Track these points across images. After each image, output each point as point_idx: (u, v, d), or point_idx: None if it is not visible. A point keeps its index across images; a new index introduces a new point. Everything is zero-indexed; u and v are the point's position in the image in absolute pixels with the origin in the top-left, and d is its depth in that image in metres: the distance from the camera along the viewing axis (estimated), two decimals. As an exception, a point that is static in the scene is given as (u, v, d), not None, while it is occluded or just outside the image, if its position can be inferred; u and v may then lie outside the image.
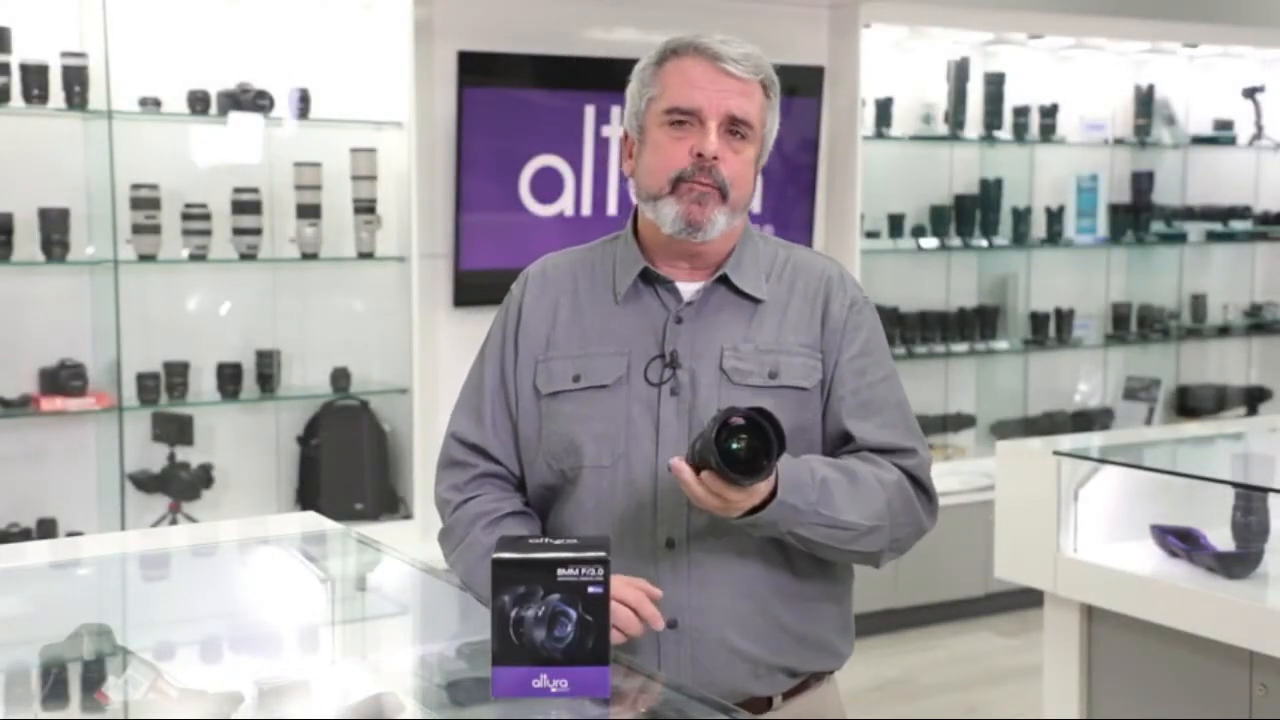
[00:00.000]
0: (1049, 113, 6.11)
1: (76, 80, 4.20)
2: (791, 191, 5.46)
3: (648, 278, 1.99)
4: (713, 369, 1.94)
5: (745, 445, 1.72)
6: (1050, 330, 6.24)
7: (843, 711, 2.10)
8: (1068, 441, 3.65)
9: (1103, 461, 3.34)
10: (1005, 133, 6.01)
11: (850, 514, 1.88)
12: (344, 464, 4.70)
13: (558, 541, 1.68)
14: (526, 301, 2.05)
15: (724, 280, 1.99)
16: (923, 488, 1.99)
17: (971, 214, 5.95)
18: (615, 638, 1.72)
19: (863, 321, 2.02)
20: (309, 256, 4.62)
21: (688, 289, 1.99)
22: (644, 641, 1.85)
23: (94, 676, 1.87)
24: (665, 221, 1.93)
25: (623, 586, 1.78)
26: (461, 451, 2.06)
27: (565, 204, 5.01)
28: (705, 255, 1.98)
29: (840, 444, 1.98)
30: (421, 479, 4.67)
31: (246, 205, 4.48)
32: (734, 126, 1.92)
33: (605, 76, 4.80)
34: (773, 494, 1.81)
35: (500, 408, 2.03)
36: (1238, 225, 6.69)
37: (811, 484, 1.85)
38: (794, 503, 1.82)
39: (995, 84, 5.94)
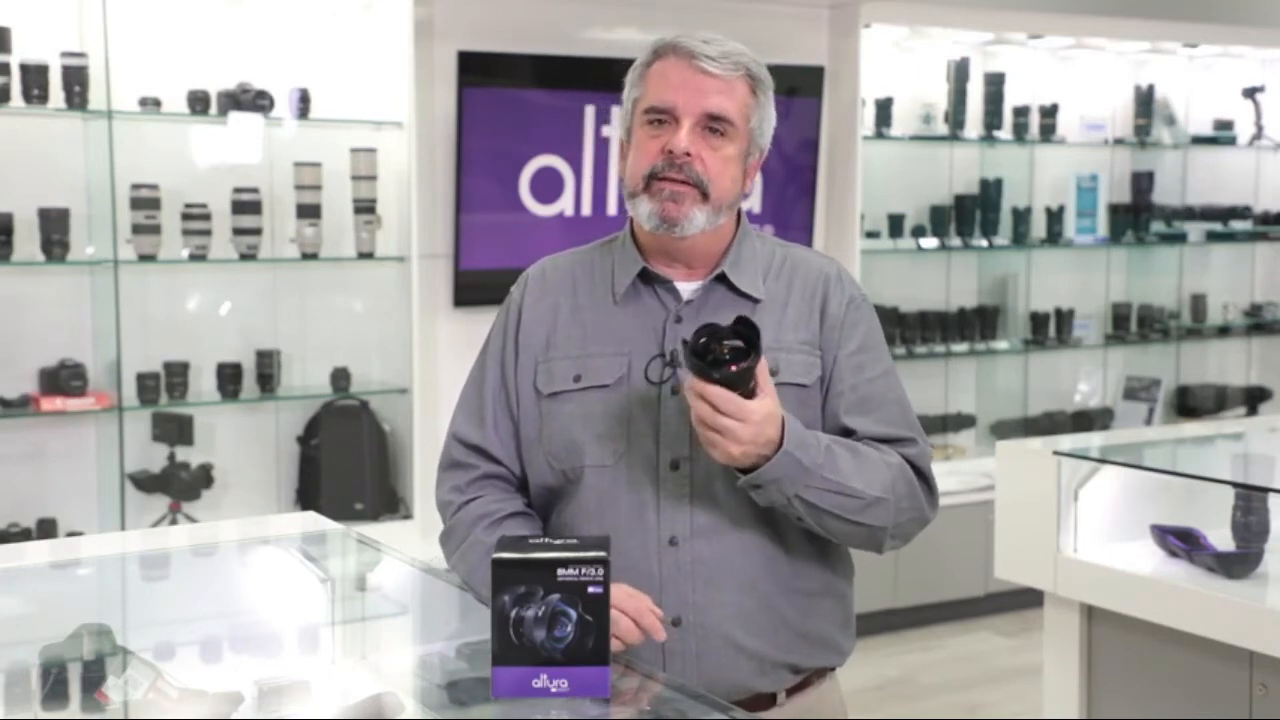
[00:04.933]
0: (1049, 113, 6.11)
1: (76, 80, 4.20)
2: (791, 191, 5.45)
3: (646, 278, 2.00)
4: None
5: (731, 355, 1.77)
6: (1050, 330, 6.24)
7: (844, 709, 2.10)
8: (1068, 441, 3.65)
9: (1103, 461, 3.34)
10: (1005, 133, 6.01)
11: (856, 481, 1.88)
12: (344, 464, 4.70)
13: (558, 541, 1.68)
14: (526, 303, 2.05)
15: (723, 279, 1.99)
16: (923, 476, 1.99)
17: (971, 214, 5.95)
18: (615, 646, 1.72)
19: (860, 319, 2.02)
20: (309, 256, 4.62)
21: (686, 288, 1.99)
22: (648, 640, 1.85)
23: (94, 676, 1.87)
24: (642, 218, 1.94)
25: (625, 597, 1.78)
26: (463, 453, 2.06)
27: (565, 204, 5.01)
28: (696, 253, 1.98)
29: None
30: (421, 479, 4.67)
31: (246, 205, 4.48)
32: (712, 124, 1.91)
33: (605, 76, 4.79)
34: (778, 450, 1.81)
35: (501, 409, 2.04)
36: (1238, 225, 6.69)
37: (817, 446, 1.86)
38: (799, 457, 1.83)
39: (995, 84, 5.94)
